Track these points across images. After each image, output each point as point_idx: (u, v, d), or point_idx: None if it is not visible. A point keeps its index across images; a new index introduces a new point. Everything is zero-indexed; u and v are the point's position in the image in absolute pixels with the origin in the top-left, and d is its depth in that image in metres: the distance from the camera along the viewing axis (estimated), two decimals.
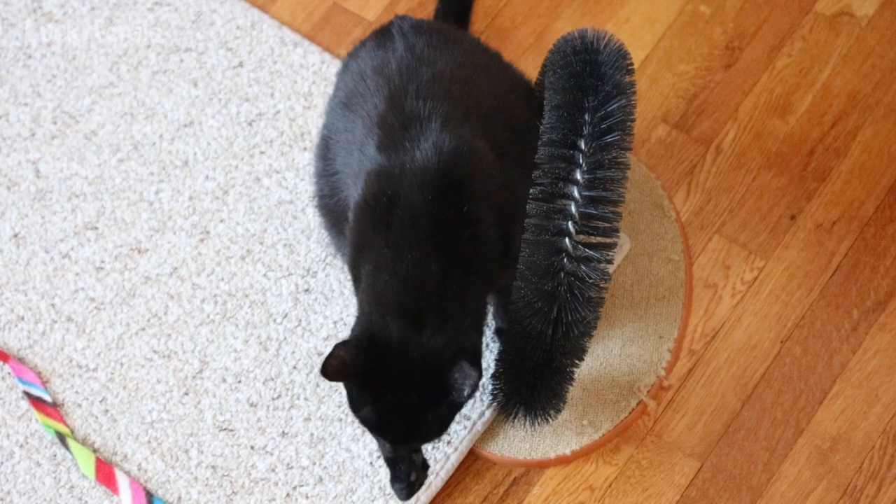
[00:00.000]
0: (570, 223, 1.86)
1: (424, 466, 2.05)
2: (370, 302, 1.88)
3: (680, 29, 2.48)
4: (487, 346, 2.19)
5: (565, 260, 1.87)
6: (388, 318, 1.84)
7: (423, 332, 1.84)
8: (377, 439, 1.97)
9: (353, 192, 1.96)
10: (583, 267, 1.86)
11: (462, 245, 1.87)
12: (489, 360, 2.16)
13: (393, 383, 1.85)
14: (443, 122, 1.91)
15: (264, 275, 2.29)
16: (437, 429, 1.90)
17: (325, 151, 2.09)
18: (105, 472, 2.14)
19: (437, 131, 1.90)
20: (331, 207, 2.12)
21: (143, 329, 2.26)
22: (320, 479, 2.12)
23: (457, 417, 2.10)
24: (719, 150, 2.35)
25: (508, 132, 1.98)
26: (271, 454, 2.15)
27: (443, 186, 1.87)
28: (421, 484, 2.01)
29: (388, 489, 2.10)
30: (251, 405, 2.19)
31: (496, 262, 1.91)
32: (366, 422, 1.89)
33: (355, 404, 1.88)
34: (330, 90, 2.41)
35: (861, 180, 2.30)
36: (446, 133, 1.90)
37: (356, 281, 1.93)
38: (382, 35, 2.06)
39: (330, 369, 1.81)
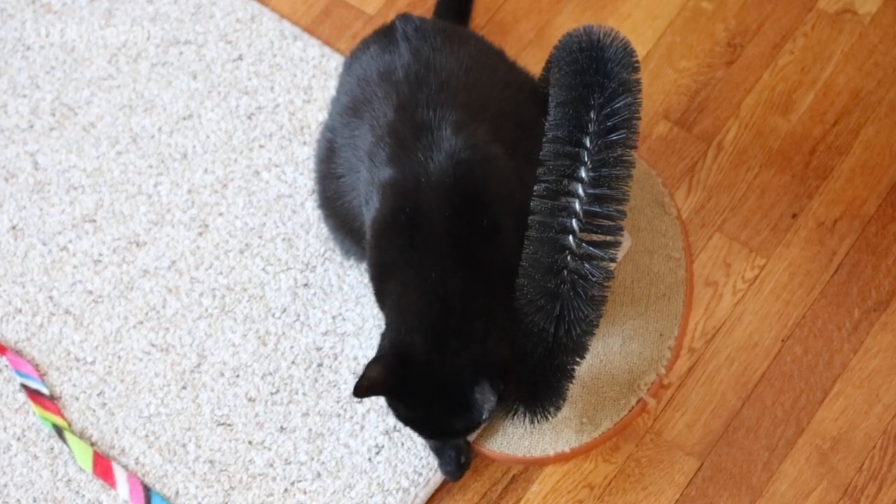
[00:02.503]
0: (574, 221, 1.85)
1: (467, 444, 2.09)
2: (397, 318, 1.91)
3: (682, 25, 2.47)
4: None
5: (569, 258, 1.86)
6: (414, 336, 1.88)
7: (447, 350, 1.88)
8: None
9: (365, 203, 1.97)
10: (586, 265, 1.86)
11: (485, 260, 1.89)
12: None
13: (419, 397, 1.90)
14: (454, 130, 1.91)
15: (263, 269, 2.28)
16: (468, 431, 1.97)
17: (330, 154, 2.08)
18: (102, 466, 2.13)
19: (450, 140, 1.90)
20: (336, 209, 2.11)
21: (141, 322, 2.25)
22: (318, 475, 2.12)
23: None
24: (721, 148, 2.34)
25: (518, 133, 1.98)
26: (269, 449, 2.14)
27: (461, 201, 1.89)
28: (469, 463, 2.08)
29: (387, 485, 2.09)
30: (249, 400, 2.18)
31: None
32: (401, 421, 1.96)
33: (390, 407, 1.95)
34: (330, 84, 2.41)
35: (863, 179, 2.29)
36: (460, 142, 1.90)
37: (379, 296, 1.96)
38: (386, 38, 2.05)
39: (362, 390, 1.86)
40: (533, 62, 2.41)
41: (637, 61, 1.89)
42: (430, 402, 1.90)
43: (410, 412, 1.93)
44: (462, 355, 1.87)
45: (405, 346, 1.88)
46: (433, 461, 2.10)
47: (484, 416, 1.87)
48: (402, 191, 1.91)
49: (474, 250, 1.89)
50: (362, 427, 2.14)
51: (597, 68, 1.87)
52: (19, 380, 2.20)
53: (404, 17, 2.06)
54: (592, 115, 1.85)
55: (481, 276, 1.89)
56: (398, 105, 1.95)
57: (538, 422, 2.03)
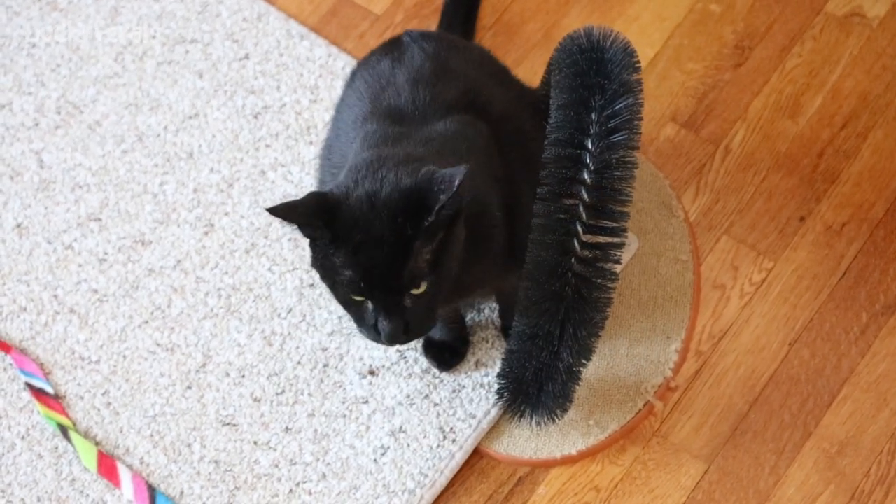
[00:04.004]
0: (577, 223, 1.85)
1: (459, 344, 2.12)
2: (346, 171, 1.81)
3: (690, 27, 2.46)
4: (493, 344, 2.18)
5: (573, 260, 1.86)
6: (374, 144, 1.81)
7: (405, 149, 1.81)
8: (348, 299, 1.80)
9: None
10: (590, 268, 1.86)
11: (460, 149, 1.85)
12: (495, 358, 2.16)
13: (364, 194, 1.73)
14: (452, 105, 1.92)
15: (269, 269, 2.27)
16: (423, 267, 1.75)
17: (329, 153, 2.06)
18: (107, 466, 2.12)
19: (446, 110, 1.91)
20: None
21: (147, 322, 2.25)
22: (324, 476, 2.11)
23: (461, 415, 2.11)
24: (728, 150, 2.34)
25: (516, 136, 1.98)
26: (274, 450, 2.13)
27: (449, 136, 1.88)
28: (413, 331, 1.82)
29: (392, 486, 2.09)
30: (255, 400, 2.17)
31: (490, 198, 1.88)
32: (334, 267, 1.76)
33: (323, 253, 1.77)
34: (337, 84, 2.41)
35: (871, 182, 2.29)
36: (456, 113, 1.91)
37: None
38: (392, 45, 2.05)
39: (302, 210, 1.72)
40: (540, 63, 2.41)
41: (638, 62, 1.89)
42: (372, 199, 1.72)
43: (347, 220, 1.72)
44: (421, 161, 1.75)
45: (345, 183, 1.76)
46: (439, 462, 2.09)
47: (445, 195, 1.67)
48: (390, 134, 1.90)
49: (451, 141, 1.86)
50: (368, 428, 2.13)
51: (597, 70, 1.87)
52: (24, 378, 2.20)
53: (411, 31, 2.06)
54: (594, 117, 1.86)
55: (451, 154, 1.84)
56: (398, 86, 1.96)
57: (544, 424, 2.03)
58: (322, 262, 1.77)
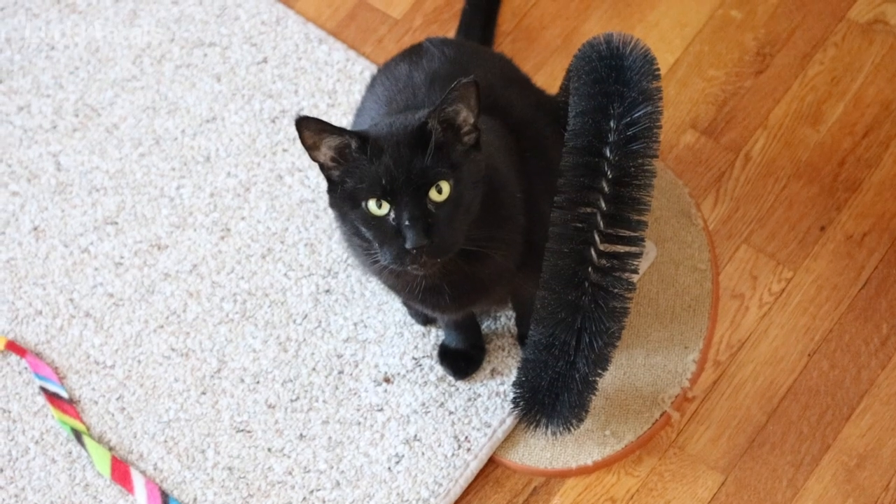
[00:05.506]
0: (594, 232, 1.84)
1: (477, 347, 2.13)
2: None
3: (710, 34, 2.45)
4: (510, 353, 2.16)
5: (590, 270, 1.85)
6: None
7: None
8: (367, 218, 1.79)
9: None
10: (607, 277, 1.84)
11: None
12: (511, 367, 2.14)
13: (388, 133, 1.77)
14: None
15: (285, 274, 2.27)
16: (443, 165, 1.76)
17: None
18: (121, 471, 2.12)
19: None
20: None
21: (162, 326, 2.24)
22: (337, 484, 2.10)
23: (476, 424, 2.09)
24: (748, 158, 2.32)
25: (535, 142, 1.96)
26: (288, 457, 2.12)
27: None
28: (437, 249, 1.78)
29: (406, 495, 2.07)
30: (269, 406, 2.16)
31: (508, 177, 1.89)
32: (360, 178, 1.77)
33: (345, 169, 1.79)
34: (355, 88, 2.41)
35: (893, 192, 2.27)
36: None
37: None
38: (412, 50, 2.05)
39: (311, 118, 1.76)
40: (559, 69, 2.40)
41: (657, 69, 1.87)
42: (399, 121, 1.78)
43: (374, 135, 1.76)
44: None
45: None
46: (454, 471, 2.08)
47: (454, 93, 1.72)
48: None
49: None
50: (382, 436, 2.12)
51: (616, 77, 1.86)
52: (38, 382, 2.20)
53: (432, 38, 2.06)
54: (612, 125, 1.84)
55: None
56: (417, 87, 1.95)
57: (560, 434, 2.01)
58: (342, 188, 1.77)
